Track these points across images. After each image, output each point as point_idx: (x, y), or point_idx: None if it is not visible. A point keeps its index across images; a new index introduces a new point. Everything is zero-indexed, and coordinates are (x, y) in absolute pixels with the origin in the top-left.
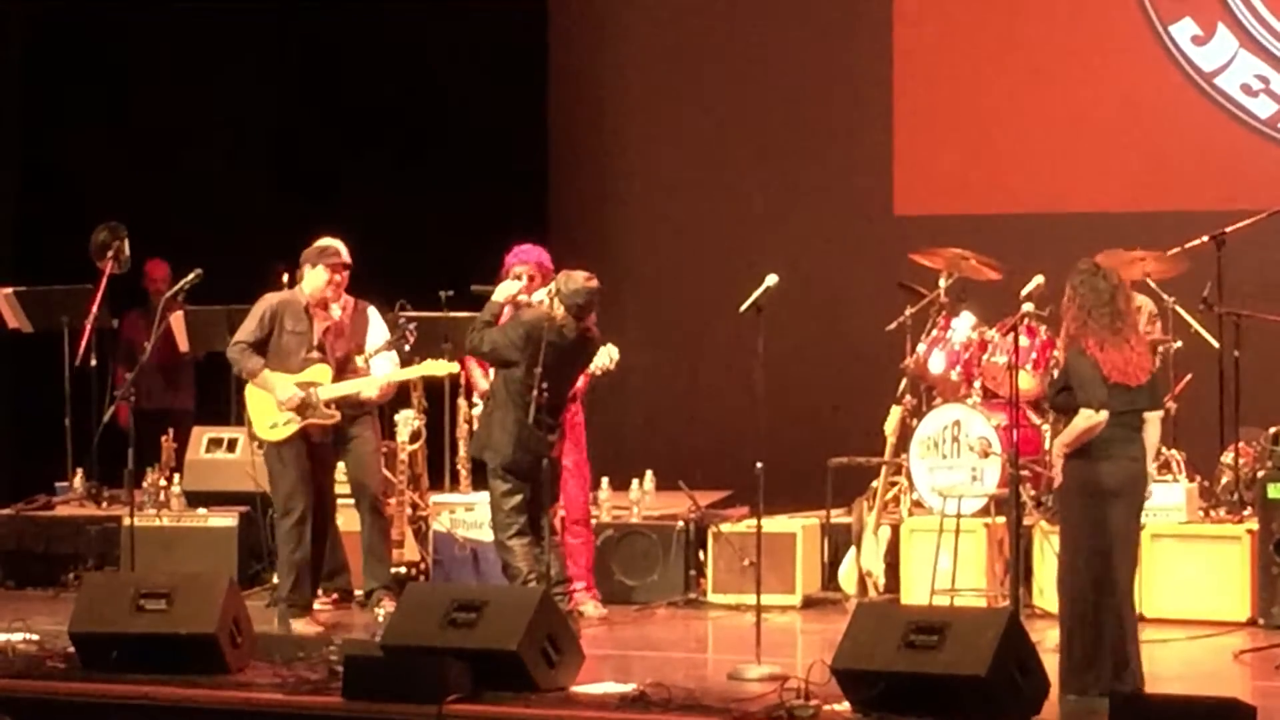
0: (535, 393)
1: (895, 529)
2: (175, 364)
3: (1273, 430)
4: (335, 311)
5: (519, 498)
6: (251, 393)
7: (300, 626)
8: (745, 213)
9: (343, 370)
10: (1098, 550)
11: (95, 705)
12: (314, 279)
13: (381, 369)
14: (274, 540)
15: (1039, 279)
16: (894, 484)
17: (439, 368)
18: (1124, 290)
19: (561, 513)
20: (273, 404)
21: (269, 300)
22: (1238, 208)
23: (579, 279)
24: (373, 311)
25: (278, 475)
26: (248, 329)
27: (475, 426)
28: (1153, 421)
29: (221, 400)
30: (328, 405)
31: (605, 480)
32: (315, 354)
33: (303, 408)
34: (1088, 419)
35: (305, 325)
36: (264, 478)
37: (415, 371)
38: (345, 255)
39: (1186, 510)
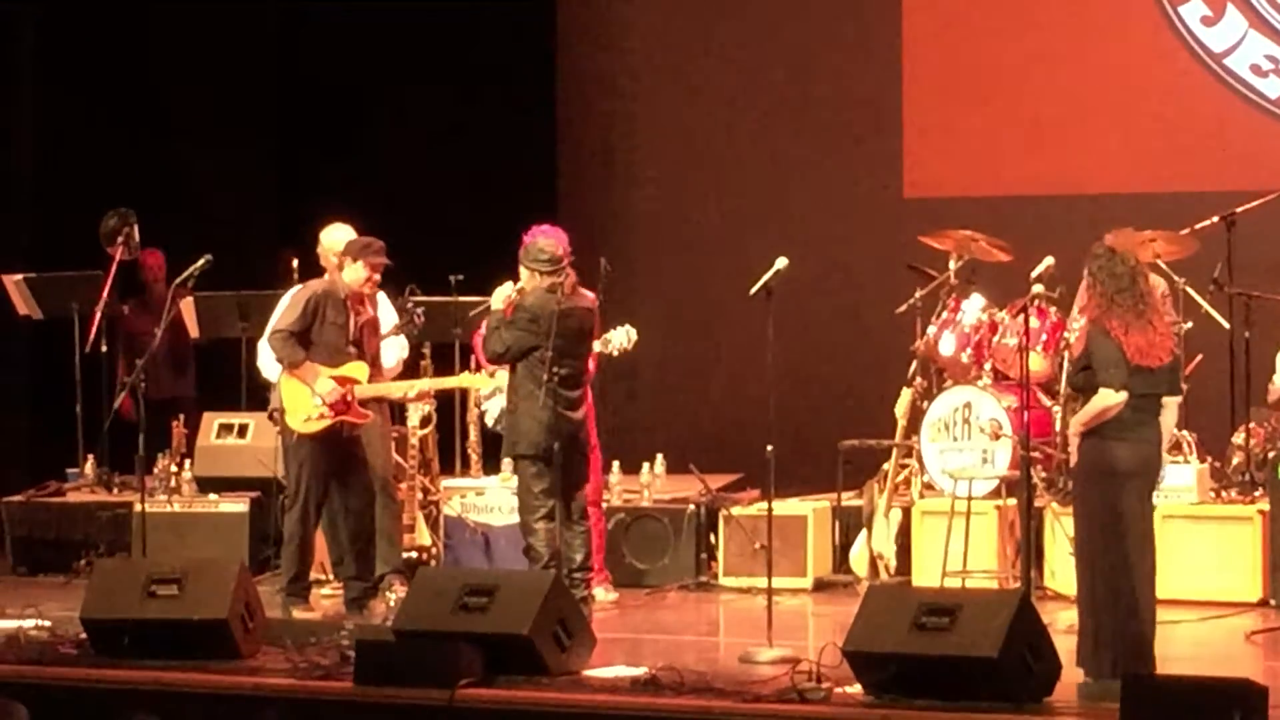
0: (547, 375)
1: (906, 511)
2: (182, 351)
3: None
4: (382, 298)
5: (548, 480)
6: (287, 382)
7: (299, 613)
8: (755, 196)
9: (374, 365)
10: (1111, 531)
11: (107, 691)
12: (353, 273)
13: (389, 354)
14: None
15: (1049, 260)
16: (905, 466)
17: (479, 381)
18: (1142, 270)
19: None
20: (308, 396)
21: (312, 289)
22: (1248, 188)
23: (536, 241)
24: (382, 296)
25: (292, 467)
26: (290, 318)
27: (492, 418)
28: (1170, 407)
29: (230, 386)
30: (363, 404)
31: (616, 464)
32: (353, 349)
33: (339, 405)
34: (1106, 399)
35: (344, 318)
36: (278, 463)
37: (454, 382)
38: (385, 255)
39: (1197, 491)
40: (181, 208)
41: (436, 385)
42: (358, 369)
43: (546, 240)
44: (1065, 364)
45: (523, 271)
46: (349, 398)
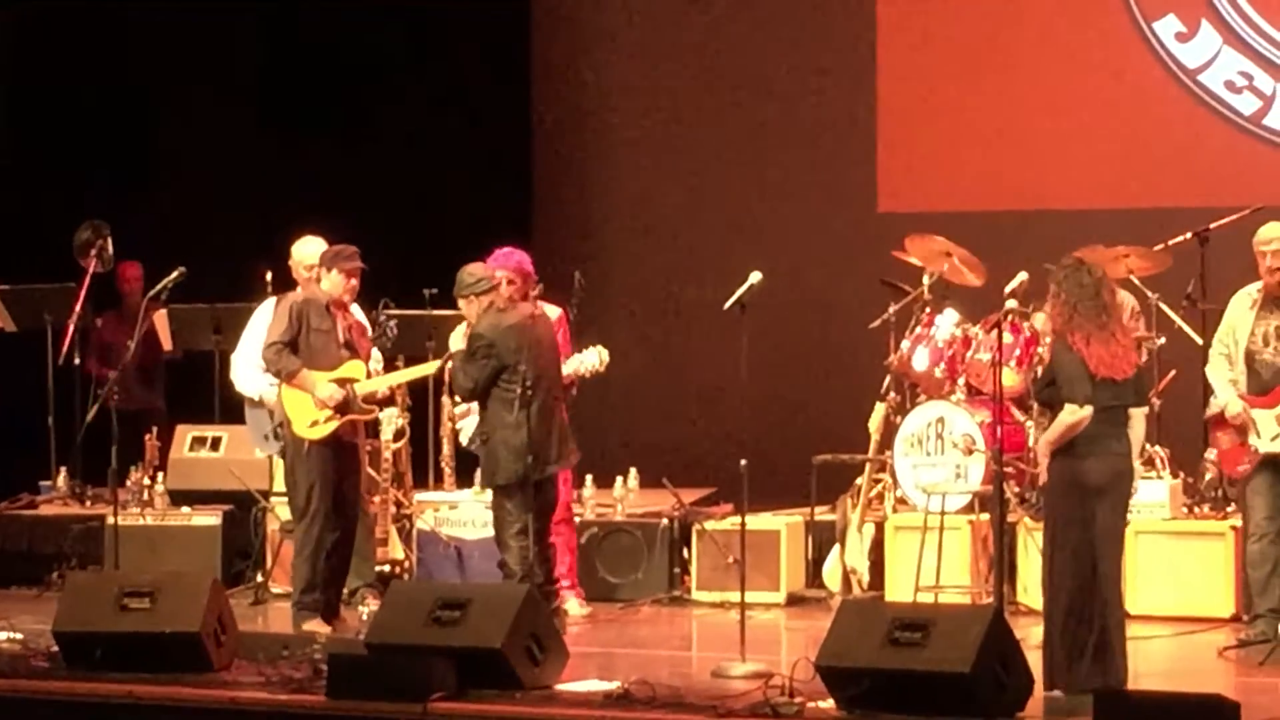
0: (521, 389)
1: (879, 526)
2: (151, 364)
3: None
4: (356, 310)
5: (522, 496)
6: (288, 393)
7: (313, 626)
8: (729, 210)
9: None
10: (1083, 546)
11: (79, 704)
12: (331, 282)
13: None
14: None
15: (1022, 276)
16: (878, 481)
17: None
18: (1108, 284)
19: None
20: (310, 403)
21: (292, 299)
22: (1221, 204)
23: (463, 270)
24: (355, 309)
25: (300, 476)
26: (279, 329)
27: (466, 437)
28: (1138, 418)
29: (203, 399)
30: (365, 401)
31: (589, 478)
32: (345, 352)
33: (342, 405)
34: (1072, 414)
35: (329, 323)
36: (251, 477)
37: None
38: (359, 260)
39: (1170, 507)
40: (156, 218)
41: (434, 367)
42: (355, 368)
43: (472, 265)
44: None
45: (462, 305)
46: (351, 397)
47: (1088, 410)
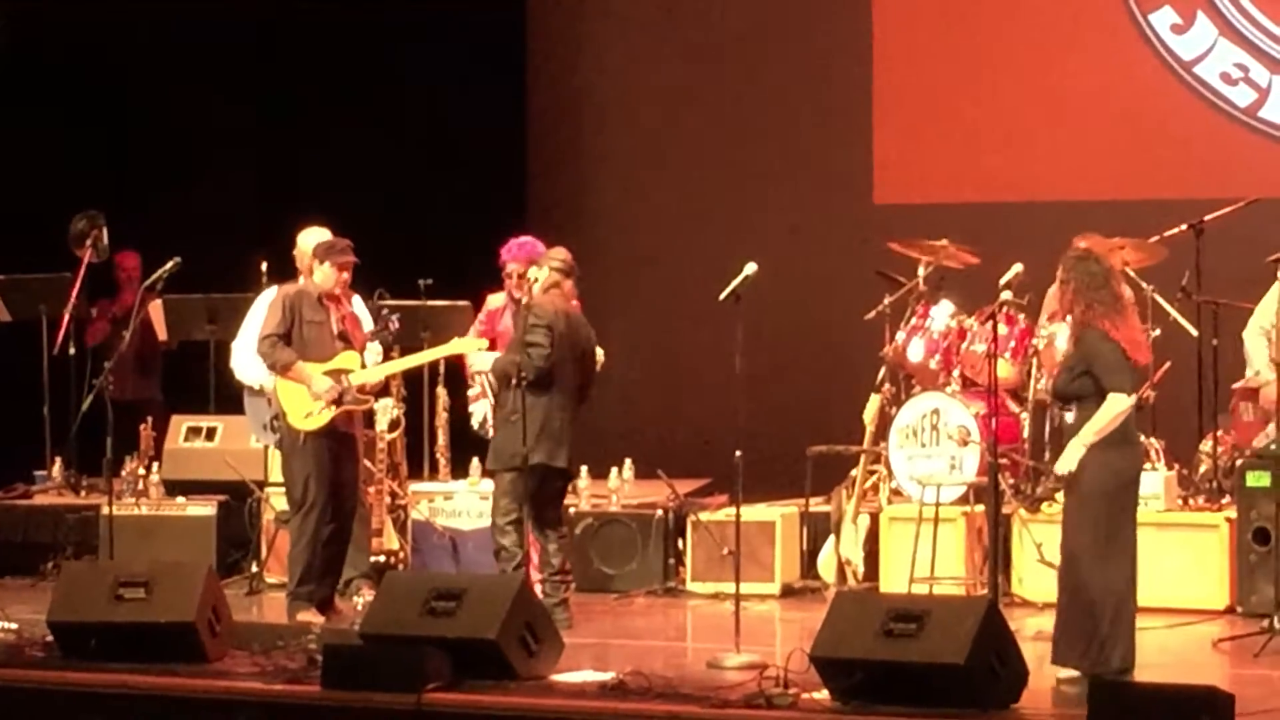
0: (515, 379)
1: (874, 517)
2: (149, 354)
3: None
4: (358, 302)
5: (521, 486)
6: (283, 385)
7: (308, 616)
8: (724, 201)
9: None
10: (1116, 532)
11: (74, 694)
12: (323, 275)
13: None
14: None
15: (1018, 267)
16: (873, 472)
17: (468, 345)
18: (1115, 273)
19: None
20: (305, 394)
21: (284, 292)
22: (1216, 196)
23: (561, 248)
24: (357, 300)
25: (296, 467)
26: (273, 322)
27: (477, 421)
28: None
29: (198, 389)
30: (360, 391)
31: (584, 469)
32: (340, 344)
33: (337, 396)
34: (1119, 404)
35: (323, 315)
36: (246, 467)
37: (447, 350)
38: (351, 254)
39: (1165, 498)
40: (152, 208)
41: (430, 356)
42: (349, 359)
43: (562, 248)
44: (1034, 370)
45: (533, 271)
46: (346, 388)
47: (1133, 399)
